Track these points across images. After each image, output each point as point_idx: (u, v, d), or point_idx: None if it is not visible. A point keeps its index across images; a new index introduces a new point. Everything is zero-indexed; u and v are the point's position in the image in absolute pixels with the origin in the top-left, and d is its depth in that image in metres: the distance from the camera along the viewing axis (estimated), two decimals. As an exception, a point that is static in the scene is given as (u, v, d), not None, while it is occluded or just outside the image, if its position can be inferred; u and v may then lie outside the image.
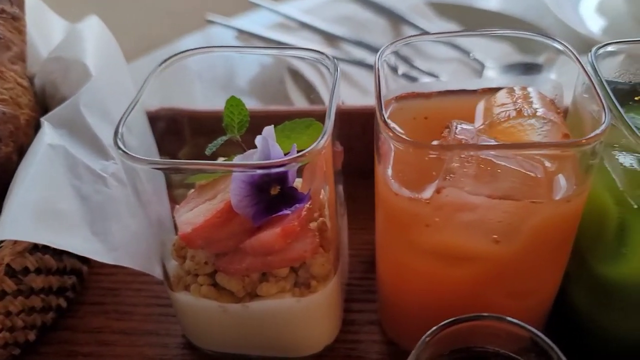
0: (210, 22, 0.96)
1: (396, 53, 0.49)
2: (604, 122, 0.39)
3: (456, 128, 0.42)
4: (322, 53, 0.49)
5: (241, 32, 0.93)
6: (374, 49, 0.87)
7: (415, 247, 0.46)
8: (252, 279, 0.48)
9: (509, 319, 0.38)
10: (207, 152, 0.52)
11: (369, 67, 0.84)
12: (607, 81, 0.49)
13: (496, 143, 0.41)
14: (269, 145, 0.47)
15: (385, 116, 0.41)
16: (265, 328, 0.50)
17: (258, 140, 0.50)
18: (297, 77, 0.85)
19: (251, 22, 0.99)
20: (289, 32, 0.94)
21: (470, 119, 0.49)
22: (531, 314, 0.51)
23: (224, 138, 0.52)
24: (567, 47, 0.47)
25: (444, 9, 0.97)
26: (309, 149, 0.42)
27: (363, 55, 0.89)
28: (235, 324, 0.50)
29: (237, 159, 0.49)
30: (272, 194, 0.48)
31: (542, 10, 0.96)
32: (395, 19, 0.95)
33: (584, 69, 0.44)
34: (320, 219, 0.52)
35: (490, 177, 0.41)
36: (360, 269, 0.60)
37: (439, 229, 0.43)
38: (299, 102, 0.81)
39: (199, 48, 0.51)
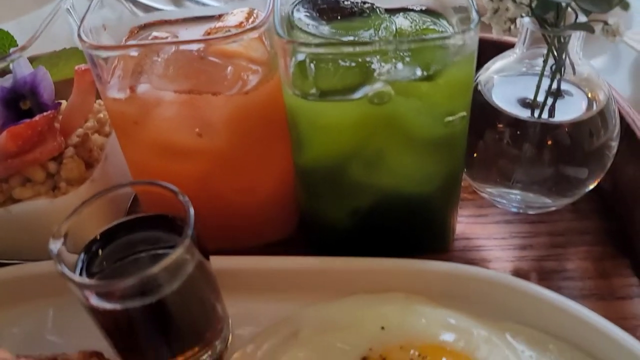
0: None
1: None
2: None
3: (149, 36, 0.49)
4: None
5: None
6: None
7: (135, 145, 0.53)
8: (11, 184, 0.55)
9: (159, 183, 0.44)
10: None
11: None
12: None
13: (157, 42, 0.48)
14: (14, 67, 0.54)
15: (81, 30, 0.48)
16: (31, 230, 0.56)
17: (12, 66, 0.57)
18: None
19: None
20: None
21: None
22: (267, 209, 0.58)
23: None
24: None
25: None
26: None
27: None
28: (5, 230, 0.56)
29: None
30: (23, 109, 0.54)
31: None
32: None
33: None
34: (85, 132, 0.59)
35: (175, 74, 0.48)
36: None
37: (147, 126, 0.50)
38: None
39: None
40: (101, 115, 0.61)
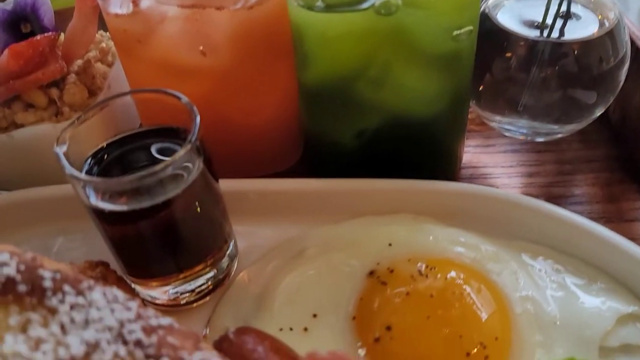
0: None
1: None
2: None
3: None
4: None
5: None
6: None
7: (138, 65, 0.52)
8: (13, 110, 0.54)
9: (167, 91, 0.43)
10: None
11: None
12: None
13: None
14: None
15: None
16: (34, 157, 0.56)
17: (13, -14, 0.56)
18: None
19: None
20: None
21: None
22: (271, 133, 0.57)
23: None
24: None
25: None
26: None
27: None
28: (8, 157, 0.56)
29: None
30: (24, 32, 0.54)
31: None
32: None
33: None
34: (87, 59, 0.58)
35: (178, -12, 0.47)
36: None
37: (150, 44, 0.50)
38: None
39: None
40: (103, 45, 0.60)
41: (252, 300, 0.46)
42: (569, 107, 0.55)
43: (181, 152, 0.38)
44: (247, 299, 0.47)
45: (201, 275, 0.46)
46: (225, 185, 0.47)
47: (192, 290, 0.47)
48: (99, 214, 0.39)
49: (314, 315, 0.44)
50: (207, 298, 0.47)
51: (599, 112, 0.56)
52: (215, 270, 0.47)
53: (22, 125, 0.54)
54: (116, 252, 0.43)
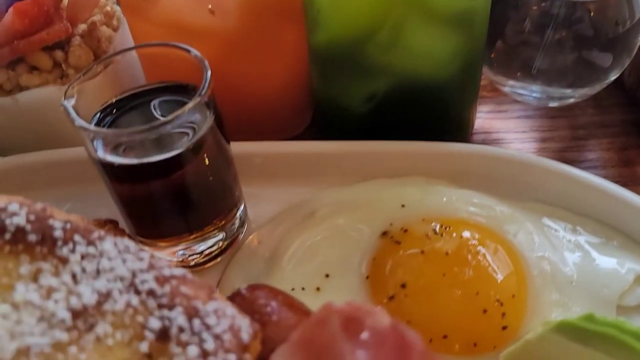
0: None
1: None
2: None
3: None
4: None
5: None
6: None
7: (145, 25, 0.51)
8: (17, 72, 0.53)
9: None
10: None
11: None
12: None
13: None
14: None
15: None
16: (40, 121, 0.55)
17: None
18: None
19: None
20: None
21: None
22: (280, 99, 0.56)
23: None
24: None
25: None
26: None
27: None
28: (13, 123, 0.55)
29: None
30: (27, -7, 0.52)
31: None
32: None
33: None
34: (92, 21, 0.56)
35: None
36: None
37: (156, 1, 0.48)
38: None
39: None
40: (108, 8, 0.59)
41: (262, 262, 0.46)
42: (584, 70, 0.54)
43: (190, 104, 0.37)
44: (257, 261, 0.46)
45: (210, 237, 0.46)
46: (235, 148, 0.46)
47: (201, 252, 0.46)
48: (107, 168, 0.38)
49: (327, 276, 0.43)
50: (218, 259, 0.46)
51: (614, 76, 0.55)
52: (224, 233, 0.47)
53: (26, 88, 0.53)
54: (125, 211, 0.42)
